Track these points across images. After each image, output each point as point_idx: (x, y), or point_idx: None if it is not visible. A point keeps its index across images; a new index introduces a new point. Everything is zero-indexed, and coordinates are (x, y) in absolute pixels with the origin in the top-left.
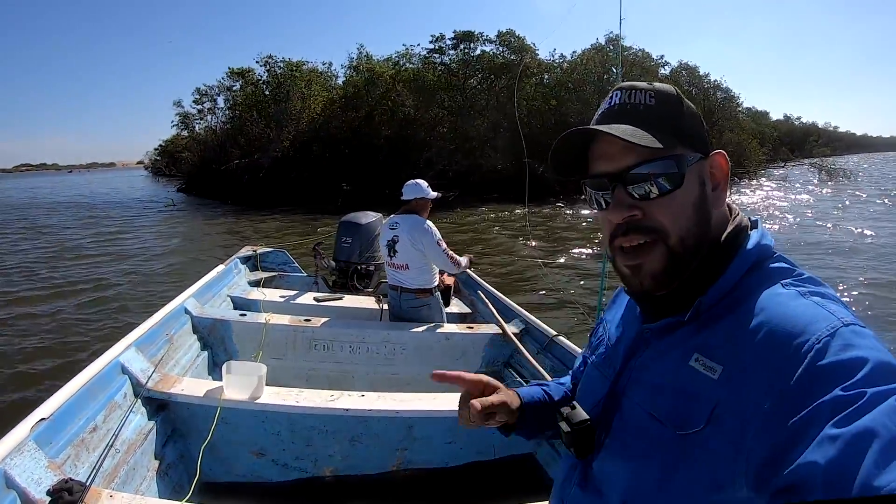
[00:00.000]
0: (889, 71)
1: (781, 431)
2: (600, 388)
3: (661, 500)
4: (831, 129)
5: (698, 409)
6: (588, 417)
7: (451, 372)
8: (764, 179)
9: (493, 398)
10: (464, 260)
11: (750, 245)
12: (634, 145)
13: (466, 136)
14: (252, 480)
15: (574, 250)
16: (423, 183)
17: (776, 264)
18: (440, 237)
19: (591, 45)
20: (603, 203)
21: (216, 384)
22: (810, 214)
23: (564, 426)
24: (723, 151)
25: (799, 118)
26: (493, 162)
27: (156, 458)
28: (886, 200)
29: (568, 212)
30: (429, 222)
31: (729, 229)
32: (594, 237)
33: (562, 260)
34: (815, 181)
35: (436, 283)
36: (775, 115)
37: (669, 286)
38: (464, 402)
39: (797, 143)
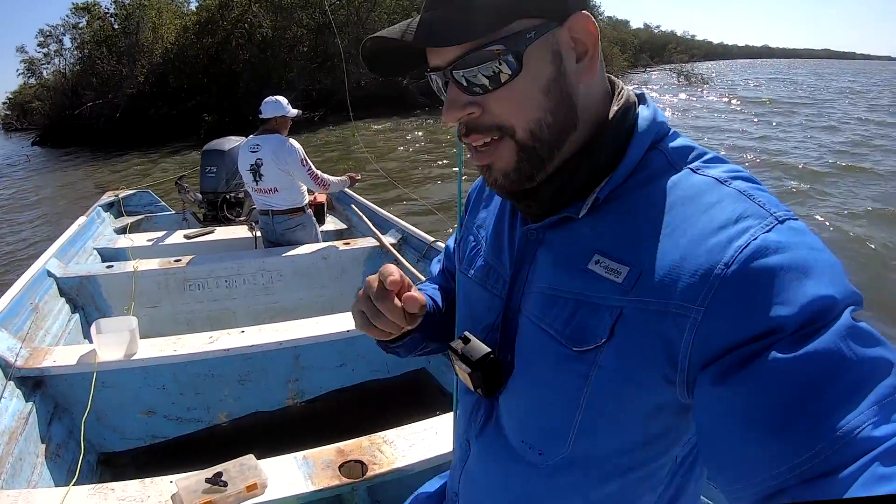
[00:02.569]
0: None
1: (717, 351)
2: (492, 309)
3: (561, 433)
4: (689, 37)
5: (598, 320)
6: (489, 350)
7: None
8: (626, 84)
9: (418, 295)
10: (335, 179)
11: (643, 125)
12: None
13: (327, 53)
14: (148, 443)
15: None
16: (283, 100)
17: (675, 143)
18: (305, 156)
19: None
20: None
21: (89, 348)
22: (670, 114)
23: (463, 366)
24: (587, 11)
25: (658, 27)
26: (357, 77)
27: (42, 442)
28: (735, 101)
29: (430, 121)
30: (292, 140)
31: (615, 108)
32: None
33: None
34: (675, 84)
35: (307, 201)
36: (635, 24)
37: (531, 182)
38: (383, 298)
39: (657, 50)
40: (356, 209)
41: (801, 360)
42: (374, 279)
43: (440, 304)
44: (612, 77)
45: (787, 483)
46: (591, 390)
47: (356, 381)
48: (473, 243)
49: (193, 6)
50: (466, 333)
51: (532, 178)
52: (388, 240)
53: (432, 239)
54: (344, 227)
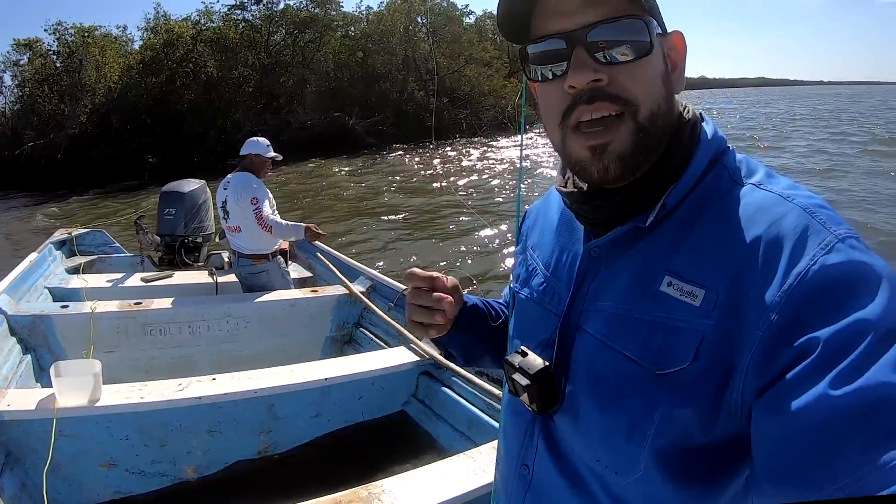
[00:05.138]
0: (729, 17)
1: (772, 366)
2: (547, 326)
3: (634, 451)
4: None
5: (681, 343)
6: (547, 364)
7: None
8: None
9: (449, 278)
10: (284, 223)
11: (707, 137)
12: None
13: (273, 94)
14: (108, 498)
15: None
16: (263, 140)
17: (737, 159)
18: (263, 196)
19: None
20: (550, 74)
21: (47, 392)
22: None
23: (521, 379)
24: (680, 31)
25: None
26: (302, 119)
27: None
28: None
29: (378, 161)
30: (259, 181)
31: (686, 118)
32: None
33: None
34: None
35: (274, 248)
36: None
37: (634, 174)
38: (424, 298)
39: None
40: (321, 257)
41: (853, 395)
42: (415, 271)
43: (493, 312)
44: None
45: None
46: (664, 410)
47: (332, 430)
48: (529, 263)
49: (137, 45)
50: (523, 348)
51: (638, 168)
52: (356, 287)
53: (404, 287)
54: (308, 275)
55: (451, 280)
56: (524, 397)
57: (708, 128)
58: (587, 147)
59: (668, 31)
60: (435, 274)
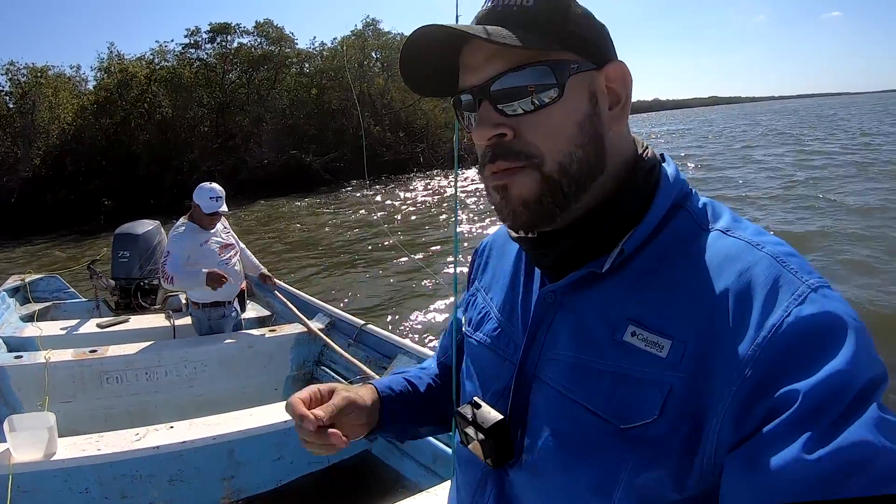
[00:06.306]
0: (680, 40)
1: (747, 422)
2: (502, 375)
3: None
4: None
5: (647, 396)
6: (502, 417)
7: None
8: None
9: (334, 401)
10: (183, 273)
11: (667, 180)
12: (499, 50)
13: (229, 133)
14: None
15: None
16: (208, 188)
17: (701, 203)
18: (174, 247)
19: (351, 32)
20: (474, 123)
21: (2, 447)
22: None
23: (473, 433)
24: (624, 62)
25: None
26: (259, 157)
27: None
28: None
29: (334, 198)
30: (182, 227)
31: (642, 162)
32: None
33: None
34: None
35: (202, 300)
36: None
37: (550, 222)
38: (307, 434)
39: None
40: (278, 294)
41: (829, 457)
42: (294, 406)
43: (420, 387)
44: (634, 135)
45: None
46: (632, 467)
47: (296, 474)
48: (482, 305)
49: (91, 85)
50: (476, 399)
51: (552, 216)
52: (315, 325)
53: (362, 322)
54: (267, 313)
55: (331, 406)
56: (478, 451)
57: (669, 169)
58: (493, 188)
59: (614, 60)
60: (307, 413)
